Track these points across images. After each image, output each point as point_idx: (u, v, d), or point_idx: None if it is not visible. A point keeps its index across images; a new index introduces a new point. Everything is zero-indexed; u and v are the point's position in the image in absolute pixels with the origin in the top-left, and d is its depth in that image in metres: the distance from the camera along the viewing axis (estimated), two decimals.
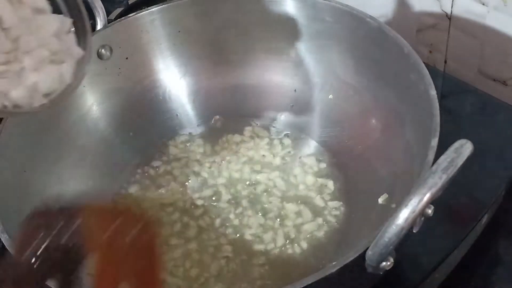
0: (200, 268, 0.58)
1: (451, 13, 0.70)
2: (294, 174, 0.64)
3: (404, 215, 0.39)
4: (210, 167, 0.67)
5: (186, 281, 0.57)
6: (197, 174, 0.66)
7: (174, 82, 0.71)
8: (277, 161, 0.66)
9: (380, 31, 0.58)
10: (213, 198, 0.64)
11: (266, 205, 0.62)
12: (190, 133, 0.71)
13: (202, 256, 0.59)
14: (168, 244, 0.60)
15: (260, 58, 0.70)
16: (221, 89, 0.71)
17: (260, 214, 0.61)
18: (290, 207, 0.61)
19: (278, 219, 0.61)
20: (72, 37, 0.48)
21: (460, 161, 0.39)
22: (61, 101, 0.46)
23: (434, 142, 0.46)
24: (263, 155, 0.67)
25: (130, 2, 0.85)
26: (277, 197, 0.63)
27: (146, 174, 0.67)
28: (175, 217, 0.62)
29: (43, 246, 0.39)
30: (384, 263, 0.41)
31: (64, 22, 0.47)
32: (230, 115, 0.71)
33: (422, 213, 0.39)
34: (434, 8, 0.71)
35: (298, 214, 0.61)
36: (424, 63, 0.53)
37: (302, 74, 0.69)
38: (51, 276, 0.40)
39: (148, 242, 0.42)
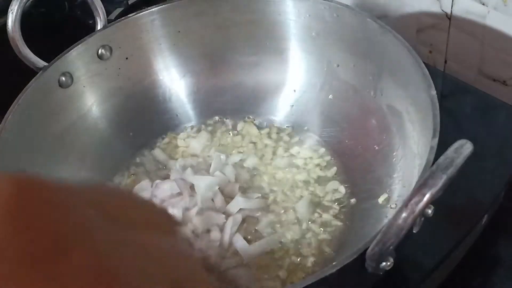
0: None
1: (451, 13, 0.70)
2: (294, 175, 0.64)
3: (404, 215, 0.39)
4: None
5: None
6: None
7: (174, 82, 0.71)
8: (278, 161, 0.66)
9: (380, 31, 0.58)
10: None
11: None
12: (190, 133, 0.71)
13: None
14: None
15: (259, 58, 0.70)
16: (221, 89, 0.71)
17: None
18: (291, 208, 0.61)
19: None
20: None
21: (460, 161, 0.39)
22: None
23: (434, 142, 0.46)
24: (263, 155, 0.67)
25: (130, 2, 0.85)
26: (278, 198, 0.62)
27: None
28: None
29: None
30: (384, 263, 0.41)
31: None
32: (230, 115, 0.71)
33: (422, 213, 0.39)
34: (434, 8, 0.71)
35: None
36: (424, 63, 0.53)
37: (302, 74, 0.69)
38: None
39: None
